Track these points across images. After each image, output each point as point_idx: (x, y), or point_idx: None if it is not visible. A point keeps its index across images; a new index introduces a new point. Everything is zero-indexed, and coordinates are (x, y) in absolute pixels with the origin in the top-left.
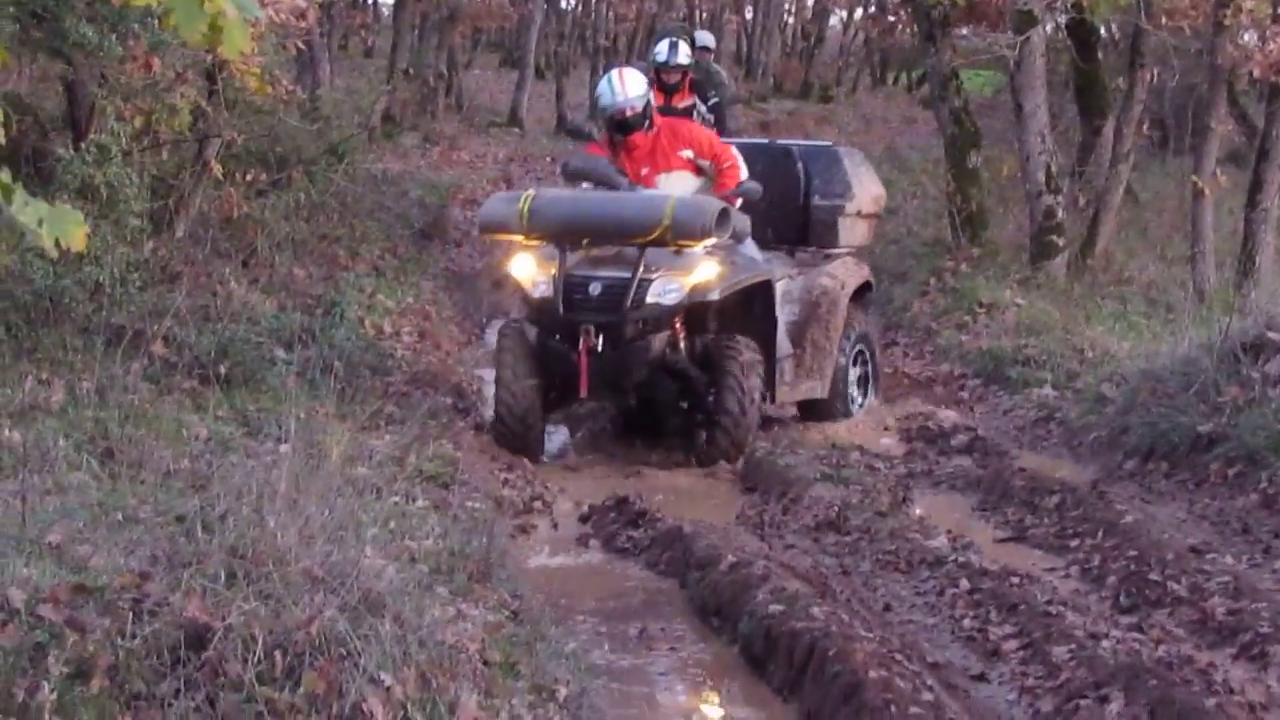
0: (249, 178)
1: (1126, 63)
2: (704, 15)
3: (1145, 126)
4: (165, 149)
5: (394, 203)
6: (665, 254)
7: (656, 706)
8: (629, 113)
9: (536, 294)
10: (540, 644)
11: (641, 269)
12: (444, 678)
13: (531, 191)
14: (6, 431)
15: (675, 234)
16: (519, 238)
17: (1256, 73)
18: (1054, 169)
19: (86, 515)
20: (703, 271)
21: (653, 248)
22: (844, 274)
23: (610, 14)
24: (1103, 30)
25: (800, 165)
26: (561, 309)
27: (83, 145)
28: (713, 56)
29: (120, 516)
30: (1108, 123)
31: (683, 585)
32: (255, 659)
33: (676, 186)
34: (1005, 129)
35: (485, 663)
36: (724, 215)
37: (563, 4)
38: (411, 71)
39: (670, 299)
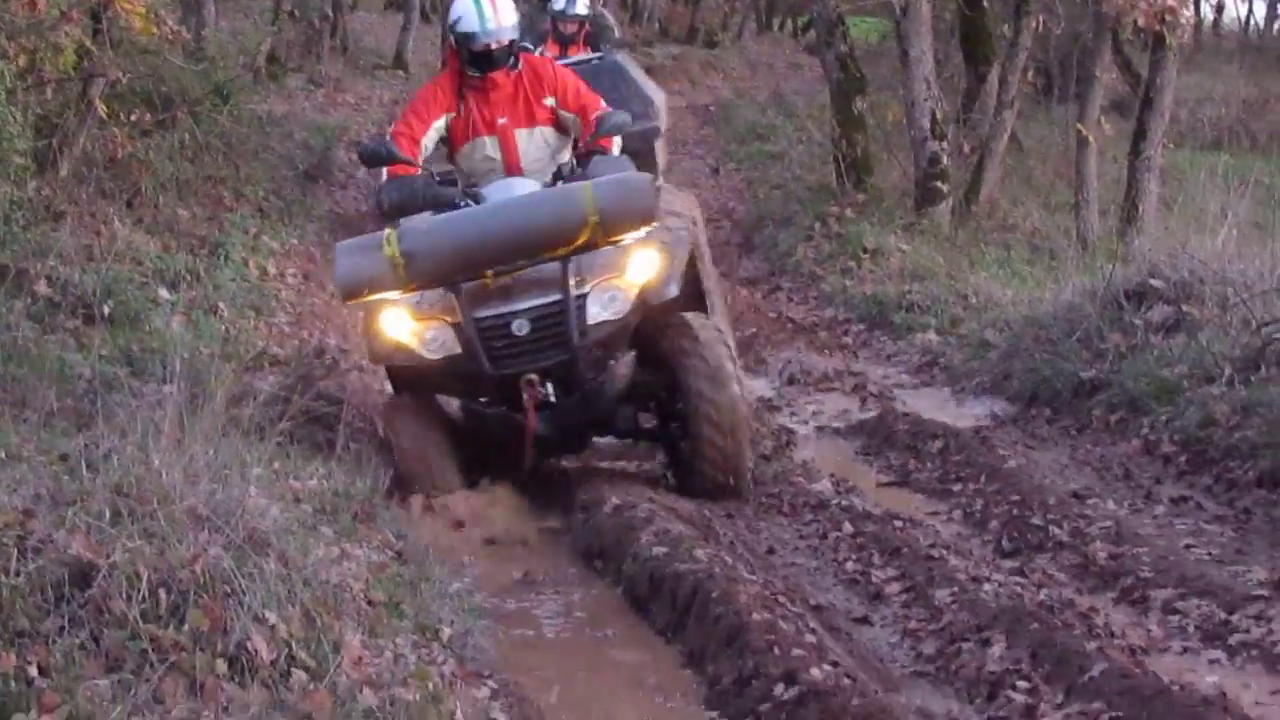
0: (134, 118)
1: (1012, 10)
2: None
3: (1030, 74)
4: (50, 88)
5: (279, 144)
6: (582, 259)
7: (540, 647)
8: (495, 45)
9: (437, 355)
10: (424, 584)
11: (576, 283)
12: (329, 616)
13: (391, 231)
14: None
15: (607, 229)
16: (394, 293)
17: (1141, 21)
18: (939, 116)
19: None
20: (641, 265)
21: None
22: (683, 206)
23: None
24: None
25: None
26: (488, 364)
27: None
28: (601, 2)
29: (3, 455)
30: (993, 70)
31: (567, 528)
32: (140, 596)
33: (537, 146)
34: (891, 75)
35: (370, 602)
36: (655, 188)
37: None
38: (297, 14)
39: (617, 309)
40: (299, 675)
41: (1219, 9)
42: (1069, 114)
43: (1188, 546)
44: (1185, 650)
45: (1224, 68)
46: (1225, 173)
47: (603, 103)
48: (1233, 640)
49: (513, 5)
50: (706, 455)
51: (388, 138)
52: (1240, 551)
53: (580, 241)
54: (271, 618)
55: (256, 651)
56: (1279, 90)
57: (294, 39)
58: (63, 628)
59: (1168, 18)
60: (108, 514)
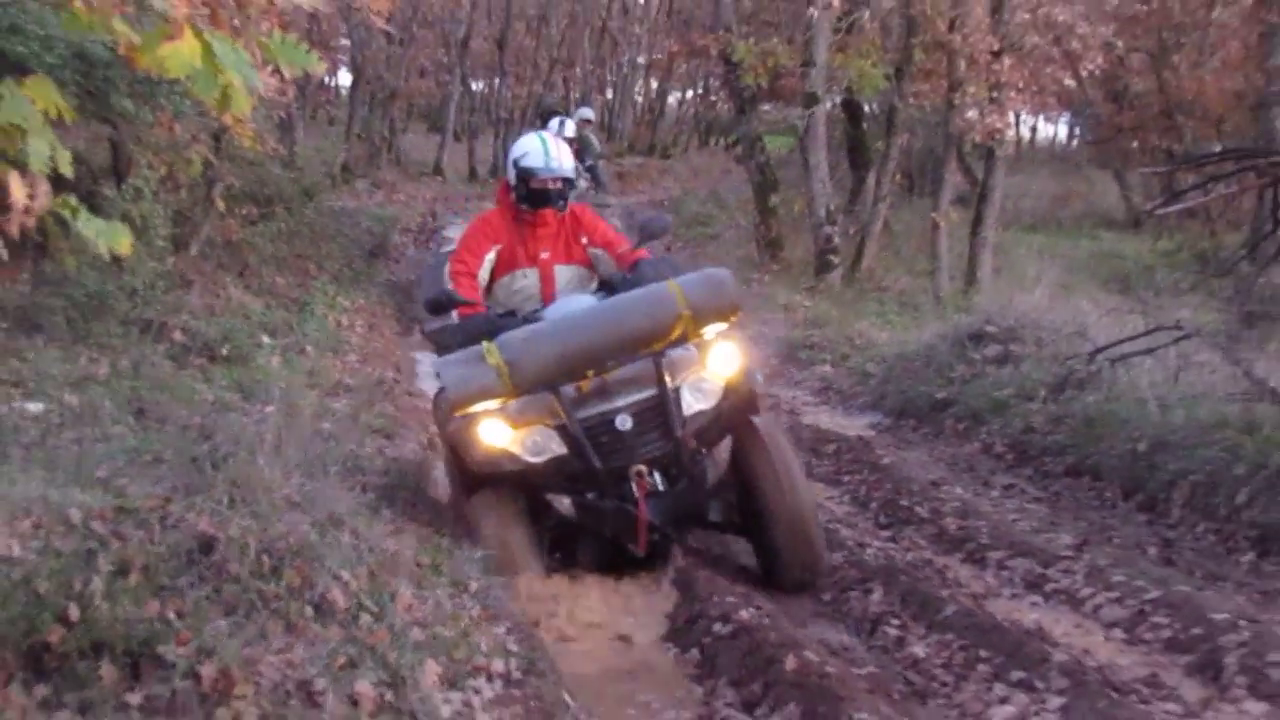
0: (244, 211)
1: (884, 130)
2: (577, 94)
3: (898, 176)
4: (183, 190)
5: (350, 230)
6: (669, 357)
7: (539, 599)
8: (553, 183)
9: (541, 458)
10: (458, 551)
11: (669, 378)
12: (387, 575)
13: (489, 344)
14: (67, 396)
15: (698, 321)
16: (494, 403)
17: (978, 138)
18: (832, 207)
19: (125, 457)
20: (722, 358)
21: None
22: None
23: (509, 93)
24: (867, 107)
25: None
26: (598, 461)
27: (122, 187)
28: (590, 128)
29: (149, 457)
30: (871, 173)
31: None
32: (249, 560)
33: (570, 280)
34: (796, 178)
35: (418, 564)
36: (734, 280)
37: (474, 86)
38: (362, 135)
39: (709, 400)
40: (366, 618)
41: (1033, 129)
42: (926, 205)
43: (1015, 520)
44: (1013, 596)
45: (1038, 171)
46: (1040, 248)
47: (620, 233)
48: (1048, 588)
49: (570, 154)
50: (782, 555)
51: (446, 278)
52: (1053, 523)
53: (674, 335)
54: (345, 575)
55: (334, 600)
56: (1077, 188)
57: (360, 153)
58: (193, 583)
59: (996, 136)
60: (226, 500)
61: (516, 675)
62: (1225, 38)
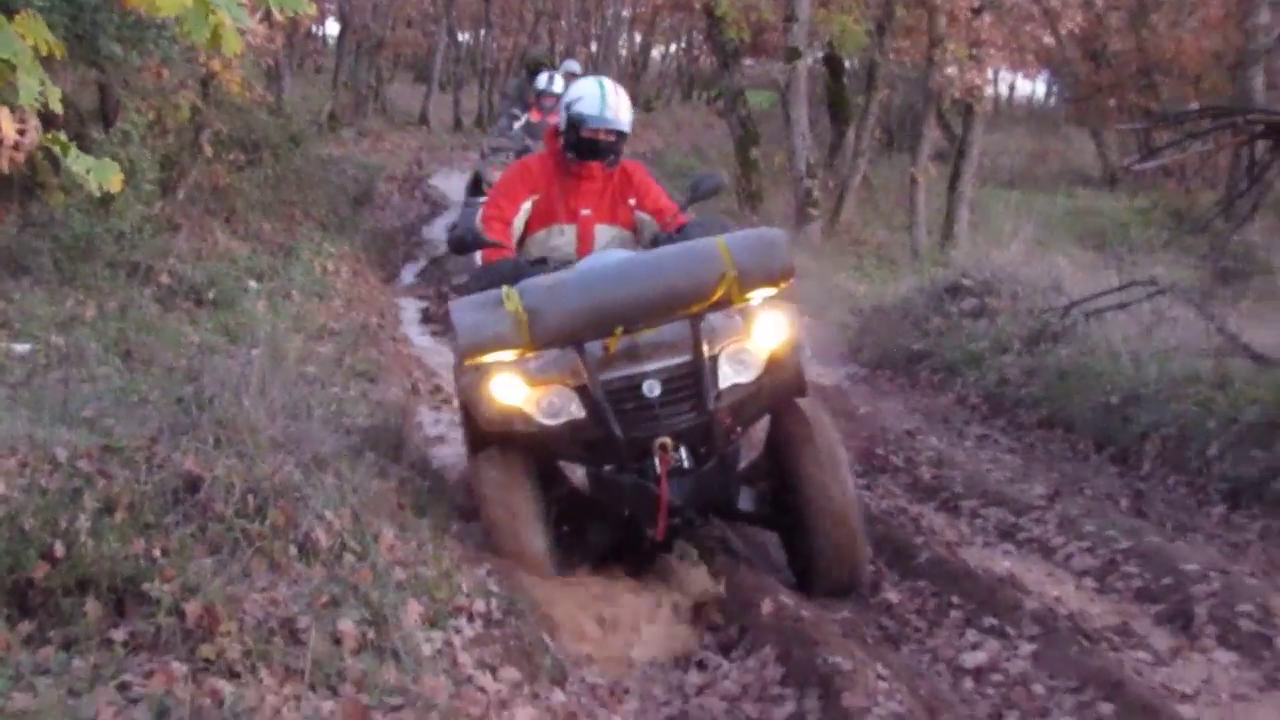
0: (231, 157)
1: (865, 85)
2: (562, 47)
3: (877, 131)
4: (171, 135)
5: (336, 178)
6: (709, 321)
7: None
8: (605, 134)
9: (557, 420)
10: (439, 495)
11: (706, 345)
12: (370, 516)
13: (509, 289)
14: (53, 337)
15: (743, 284)
16: (509, 354)
17: (957, 95)
18: (812, 161)
19: (111, 397)
20: (767, 328)
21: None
22: None
23: (494, 45)
24: (848, 62)
25: None
26: (619, 429)
27: (110, 131)
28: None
29: (136, 398)
30: (850, 128)
31: None
32: (234, 500)
33: (611, 242)
34: (777, 132)
35: (400, 506)
36: (790, 243)
37: (459, 37)
38: (349, 84)
39: (749, 373)
40: (349, 557)
41: (1012, 87)
42: (905, 161)
43: (988, 470)
44: (986, 544)
45: (1015, 129)
46: (1016, 204)
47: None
48: (1020, 537)
49: (629, 105)
50: (819, 556)
51: (477, 221)
52: (1026, 474)
53: (716, 297)
54: (329, 516)
55: (318, 540)
56: (1054, 145)
57: (347, 102)
58: (178, 522)
59: (975, 93)
60: (211, 440)
61: (497, 615)
62: None
